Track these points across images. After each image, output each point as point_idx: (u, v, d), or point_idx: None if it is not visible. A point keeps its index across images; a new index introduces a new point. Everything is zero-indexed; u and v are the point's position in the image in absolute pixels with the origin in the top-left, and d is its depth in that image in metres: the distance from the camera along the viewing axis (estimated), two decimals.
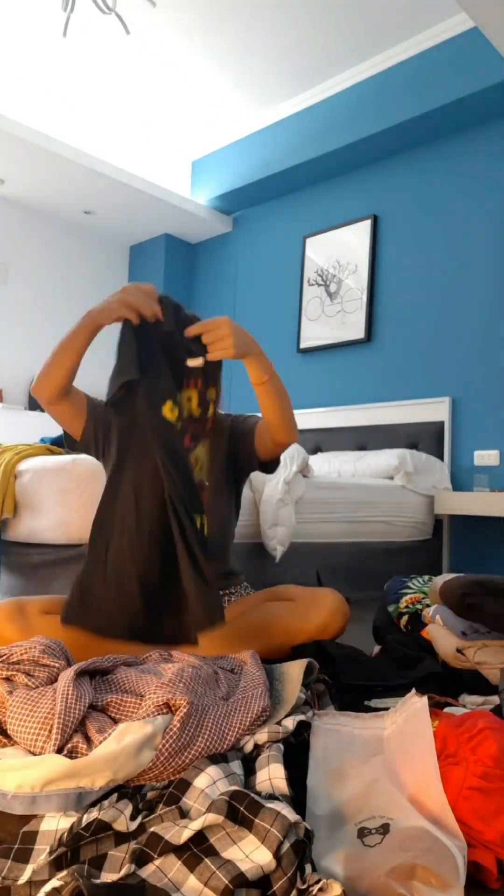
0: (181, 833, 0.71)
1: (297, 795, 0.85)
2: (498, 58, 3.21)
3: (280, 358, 4.50)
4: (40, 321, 4.84)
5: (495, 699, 1.24)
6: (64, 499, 2.03)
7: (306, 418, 4.22)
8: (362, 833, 0.77)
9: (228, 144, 4.69)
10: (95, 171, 4.22)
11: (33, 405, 4.67)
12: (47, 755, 0.87)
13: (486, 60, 3.33)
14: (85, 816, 0.76)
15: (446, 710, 1.08)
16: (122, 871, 0.68)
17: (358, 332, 4.08)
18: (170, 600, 1.34)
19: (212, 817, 0.71)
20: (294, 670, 1.13)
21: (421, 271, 3.86)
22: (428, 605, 1.76)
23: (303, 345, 4.35)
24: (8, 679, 1.04)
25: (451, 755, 0.85)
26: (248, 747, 0.93)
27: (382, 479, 3.28)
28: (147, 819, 0.77)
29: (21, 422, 4.32)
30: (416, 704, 0.96)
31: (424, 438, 3.66)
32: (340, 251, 4.24)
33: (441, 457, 3.60)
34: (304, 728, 1.00)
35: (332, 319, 4.23)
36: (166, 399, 1.42)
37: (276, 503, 2.48)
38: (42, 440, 2.63)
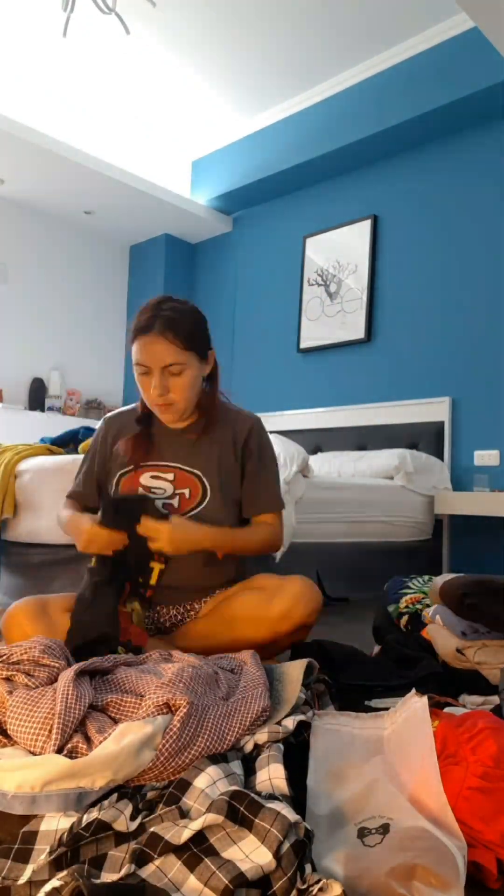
0: (181, 833, 0.71)
1: (297, 795, 0.85)
2: (498, 58, 3.21)
3: (280, 358, 4.50)
4: (40, 321, 4.84)
5: (495, 699, 1.24)
6: (64, 499, 2.03)
7: (306, 418, 4.22)
8: (362, 833, 0.77)
9: (228, 144, 4.69)
10: (95, 171, 4.22)
11: (33, 405, 4.68)
12: (47, 755, 0.87)
13: (486, 60, 3.33)
14: (85, 816, 0.76)
15: (446, 710, 1.08)
16: (122, 871, 0.68)
17: (358, 332, 4.08)
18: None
19: (212, 817, 0.71)
20: (294, 670, 1.13)
21: (421, 271, 3.86)
22: (428, 605, 1.76)
23: (303, 345, 4.36)
24: (8, 679, 1.04)
25: (451, 755, 0.85)
26: (248, 747, 0.93)
27: (382, 479, 3.28)
28: (147, 819, 0.77)
29: (21, 422, 4.32)
30: (416, 704, 0.96)
31: (424, 438, 3.66)
32: (340, 251, 4.24)
33: (441, 457, 3.60)
34: (304, 728, 1.00)
35: (332, 319, 4.23)
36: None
37: None
38: (42, 440, 2.63)
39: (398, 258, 3.97)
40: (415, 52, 3.69)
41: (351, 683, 1.31)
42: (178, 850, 0.70)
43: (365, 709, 1.26)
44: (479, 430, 3.53)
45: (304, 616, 1.44)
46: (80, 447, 2.47)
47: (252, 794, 0.75)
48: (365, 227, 4.12)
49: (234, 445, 1.58)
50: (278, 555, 2.46)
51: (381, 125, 3.80)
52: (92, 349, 5.13)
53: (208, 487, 1.54)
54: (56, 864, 0.70)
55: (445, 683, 1.32)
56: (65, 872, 0.65)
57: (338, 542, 2.87)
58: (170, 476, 1.55)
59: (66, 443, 2.56)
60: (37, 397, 4.69)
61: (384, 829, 0.76)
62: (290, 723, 0.97)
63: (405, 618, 1.79)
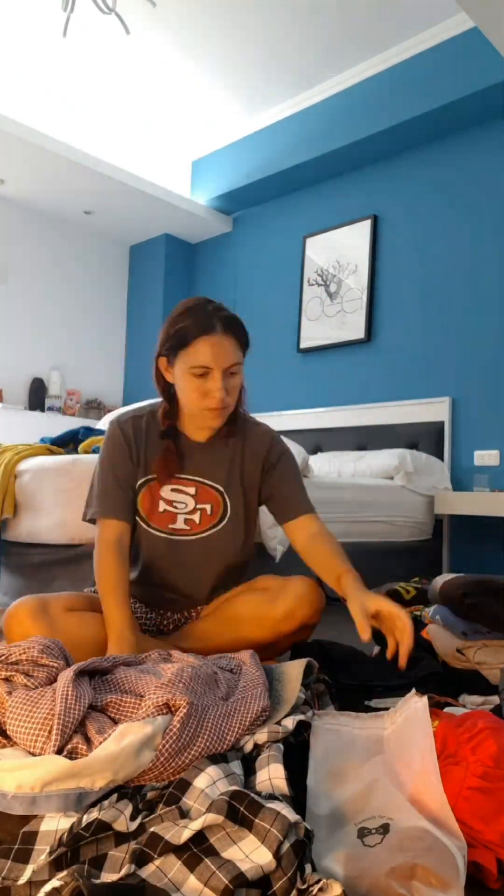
0: (181, 833, 0.71)
1: (297, 795, 0.85)
2: (498, 58, 3.21)
3: (280, 358, 4.50)
4: (40, 321, 4.84)
5: (495, 699, 1.24)
6: (64, 499, 2.03)
7: (306, 418, 4.22)
8: (362, 833, 0.77)
9: (228, 144, 4.69)
10: (95, 171, 4.22)
11: (33, 405, 4.68)
12: (47, 756, 0.87)
13: (486, 60, 3.33)
14: (85, 817, 0.76)
15: (446, 709, 1.08)
16: (122, 871, 0.68)
17: (358, 332, 4.08)
18: None
19: (212, 817, 0.71)
20: (293, 670, 1.13)
21: (421, 271, 3.86)
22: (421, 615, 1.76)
23: (303, 345, 4.35)
24: (7, 679, 1.04)
25: (451, 755, 0.85)
26: (248, 747, 0.93)
27: (382, 479, 3.28)
28: (147, 819, 0.77)
29: (21, 422, 4.33)
30: (416, 704, 0.96)
31: (424, 438, 3.66)
32: (340, 251, 4.24)
33: (441, 457, 3.60)
34: (303, 728, 1.00)
35: (332, 319, 4.23)
36: None
37: None
38: (42, 440, 2.63)
39: (398, 258, 3.97)
40: (415, 51, 3.69)
41: (351, 683, 1.31)
42: (178, 850, 0.70)
43: (365, 709, 1.26)
44: (479, 430, 3.53)
45: (308, 616, 1.44)
46: (80, 447, 2.46)
47: (252, 794, 0.75)
48: (365, 227, 4.12)
49: (254, 458, 1.55)
50: (278, 555, 2.46)
51: (382, 125, 3.80)
52: (92, 349, 5.13)
53: (229, 505, 1.52)
54: (56, 865, 0.70)
55: (445, 683, 1.32)
56: (65, 872, 0.65)
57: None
58: (191, 490, 1.51)
59: (66, 443, 2.56)
60: (37, 397, 4.69)
61: (384, 829, 0.76)
62: (289, 723, 0.97)
63: None
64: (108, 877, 0.69)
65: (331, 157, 4.13)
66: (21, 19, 3.57)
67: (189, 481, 1.51)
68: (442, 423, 3.63)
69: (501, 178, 3.56)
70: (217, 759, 0.87)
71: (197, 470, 1.52)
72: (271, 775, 0.84)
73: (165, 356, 1.46)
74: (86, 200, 4.65)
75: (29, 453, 2.30)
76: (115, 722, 0.96)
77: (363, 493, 3.01)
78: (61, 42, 3.67)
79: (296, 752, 0.96)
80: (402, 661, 1.23)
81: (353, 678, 1.34)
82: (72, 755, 0.88)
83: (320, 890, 0.64)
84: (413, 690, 1.00)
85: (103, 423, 2.80)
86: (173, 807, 0.78)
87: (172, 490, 1.51)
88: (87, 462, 2.05)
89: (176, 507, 1.50)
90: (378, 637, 1.79)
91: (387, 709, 1.26)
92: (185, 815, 0.77)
